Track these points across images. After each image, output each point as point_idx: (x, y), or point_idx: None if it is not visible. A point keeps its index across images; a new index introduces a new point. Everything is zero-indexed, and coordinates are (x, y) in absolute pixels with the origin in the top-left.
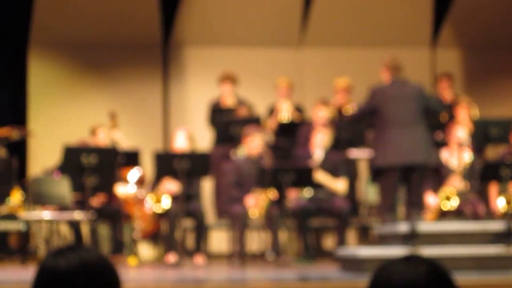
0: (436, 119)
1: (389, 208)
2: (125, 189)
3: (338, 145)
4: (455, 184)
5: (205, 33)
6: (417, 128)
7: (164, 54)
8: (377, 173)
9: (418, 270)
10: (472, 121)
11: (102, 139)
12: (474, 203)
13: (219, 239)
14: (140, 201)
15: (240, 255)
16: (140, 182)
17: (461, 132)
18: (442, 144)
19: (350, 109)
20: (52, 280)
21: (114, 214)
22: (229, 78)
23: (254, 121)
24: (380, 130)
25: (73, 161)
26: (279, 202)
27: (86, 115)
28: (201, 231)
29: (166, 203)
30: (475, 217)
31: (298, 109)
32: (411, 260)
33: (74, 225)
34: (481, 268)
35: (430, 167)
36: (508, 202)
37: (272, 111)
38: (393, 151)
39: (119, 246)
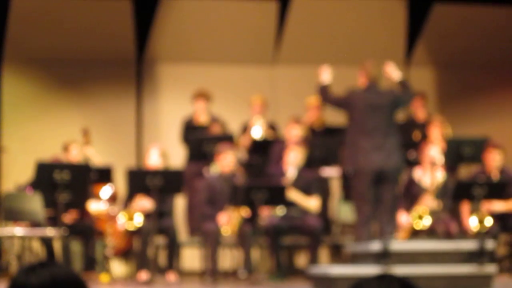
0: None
1: (365, 224)
2: (97, 206)
3: (311, 163)
4: (428, 203)
5: (179, 50)
6: (387, 139)
7: (138, 70)
8: (351, 189)
9: None
10: (445, 140)
11: (75, 155)
12: (447, 222)
13: (191, 257)
14: (112, 218)
15: (212, 273)
16: (113, 199)
17: (434, 151)
18: (415, 162)
19: (322, 124)
20: None
21: (87, 231)
22: (202, 95)
23: (227, 138)
24: (351, 138)
25: (46, 177)
26: (252, 220)
27: (59, 131)
28: (173, 248)
29: (138, 220)
30: (448, 236)
31: (272, 126)
32: (385, 278)
33: (46, 242)
34: (454, 287)
35: (400, 174)
36: (480, 221)
37: (245, 129)
38: (363, 158)
39: (91, 263)
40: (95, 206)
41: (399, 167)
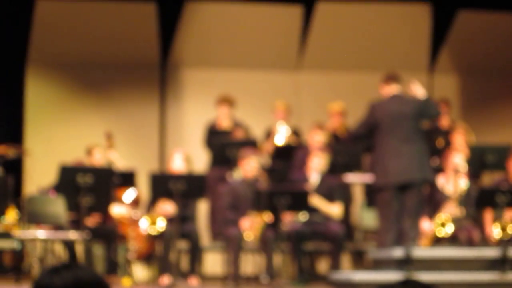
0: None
1: (389, 230)
2: (120, 210)
3: (334, 169)
4: (451, 211)
5: (202, 55)
6: (413, 148)
7: (162, 75)
8: (375, 195)
9: None
10: (468, 147)
11: (98, 159)
12: (469, 230)
13: (214, 261)
14: (135, 222)
15: (234, 278)
16: (136, 203)
17: (458, 158)
18: (439, 170)
19: (346, 131)
20: None
21: (109, 235)
22: (226, 101)
23: (250, 143)
24: (378, 149)
25: (69, 180)
26: (274, 225)
27: (82, 134)
28: (195, 253)
29: (161, 225)
30: (470, 243)
31: (295, 132)
32: (409, 284)
33: (69, 245)
34: None
35: (427, 183)
36: (503, 229)
37: (269, 134)
38: (391, 170)
39: (113, 267)
40: (118, 210)
41: (426, 177)
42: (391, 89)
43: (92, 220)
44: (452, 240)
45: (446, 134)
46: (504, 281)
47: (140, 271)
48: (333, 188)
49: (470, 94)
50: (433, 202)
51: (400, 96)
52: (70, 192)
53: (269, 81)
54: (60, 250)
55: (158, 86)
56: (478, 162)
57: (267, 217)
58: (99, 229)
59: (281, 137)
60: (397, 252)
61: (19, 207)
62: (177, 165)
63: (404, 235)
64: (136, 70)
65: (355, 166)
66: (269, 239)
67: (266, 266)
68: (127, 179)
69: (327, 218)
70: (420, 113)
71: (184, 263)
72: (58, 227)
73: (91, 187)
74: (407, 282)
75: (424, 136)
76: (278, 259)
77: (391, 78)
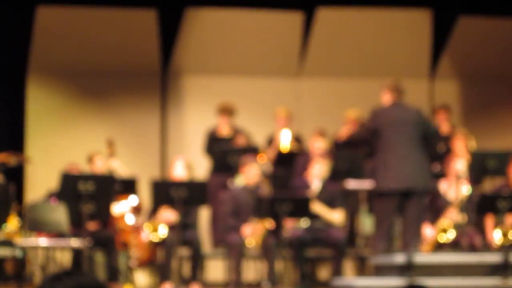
0: (433, 146)
1: (383, 237)
2: (121, 208)
3: (336, 175)
4: (452, 217)
5: (203, 62)
6: (415, 154)
7: (163, 82)
8: (375, 200)
9: None
10: (469, 153)
11: (99, 166)
12: (471, 235)
13: (216, 268)
14: (136, 229)
15: (236, 284)
16: (137, 210)
17: (459, 164)
18: (440, 175)
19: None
20: None
21: (108, 241)
22: (225, 111)
23: (252, 150)
24: (380, 155)
25: (70, 188)
26: (276, 232)
27: (83, 142)
28: (197, 260)
29: (162, 232)
30: (472, 249)
31: (297, 139)
32: None
33: (75, 252)
34: None
35: (428, 192)
36: (504, 234)
37: (271, 141)
38: (394, 176)
39: (115, 274)
40: (118, 209)
41: (427, 185)
42: (394, 98)
43: (92, 225)
44: (454, 245)
45: (447, 140)
46: (506, 286)
47: (142, 278)
48: (335, 195)
49: (471, 100)
50: (434, 208)
51: (401, 105)
52: (72, 199)
53: (270, 87)
54: (61, 258)
55: (159, 93)
56: (479, 168)
57: (269, 223)
58: (101, 237)
59: (287, 143)
60: (399, 258)
61: (20, 215)
62: (178, 172)
63: (406, 241)
64: (137, 77)
65: (356, 172)
66: (271, 246)
67: (267, 273)
68: (129, 186)
69: (328, 224)
70: (422, 124)
71: (186, 270)
72: (59, 234)
73: (92, 195)
74: (414, 287)
75: (424, 144)
76: (279, 266)
77: (397, 90)
